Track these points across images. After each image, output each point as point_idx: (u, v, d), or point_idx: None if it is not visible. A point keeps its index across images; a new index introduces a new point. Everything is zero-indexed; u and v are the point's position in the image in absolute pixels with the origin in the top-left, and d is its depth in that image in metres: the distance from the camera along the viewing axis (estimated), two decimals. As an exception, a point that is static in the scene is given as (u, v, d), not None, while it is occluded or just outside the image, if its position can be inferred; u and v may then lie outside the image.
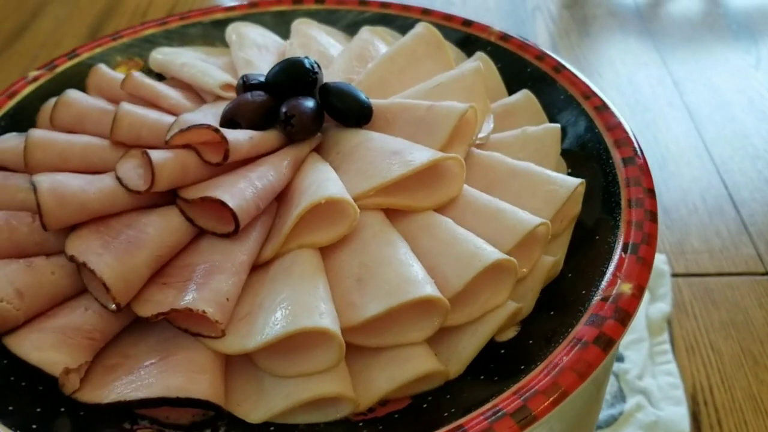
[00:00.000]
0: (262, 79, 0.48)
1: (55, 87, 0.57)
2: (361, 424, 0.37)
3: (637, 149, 0.47)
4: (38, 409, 0.37)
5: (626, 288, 0.38)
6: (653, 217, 0.43)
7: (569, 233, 0.45)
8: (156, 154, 0.42)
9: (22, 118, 0.55)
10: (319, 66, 0.49)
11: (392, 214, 0.43)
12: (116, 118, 0.47)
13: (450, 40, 0.61)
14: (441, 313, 0.37)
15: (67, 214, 0.42)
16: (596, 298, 0.39)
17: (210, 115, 0.49)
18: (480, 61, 0.56)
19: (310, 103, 0.46)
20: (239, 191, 0.41)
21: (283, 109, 0.45)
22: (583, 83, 0.53)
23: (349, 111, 0.46)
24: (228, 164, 0.43)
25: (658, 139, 0.92)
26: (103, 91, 0.55)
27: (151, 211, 0.43)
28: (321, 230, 0.40)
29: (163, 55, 0.58)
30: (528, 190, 0.44)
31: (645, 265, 0.40)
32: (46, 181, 0.42)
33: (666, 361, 0.66)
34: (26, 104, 0.56)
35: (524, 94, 0.53)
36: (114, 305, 0.39)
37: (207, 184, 0.42)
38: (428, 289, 0.37)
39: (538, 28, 1.10)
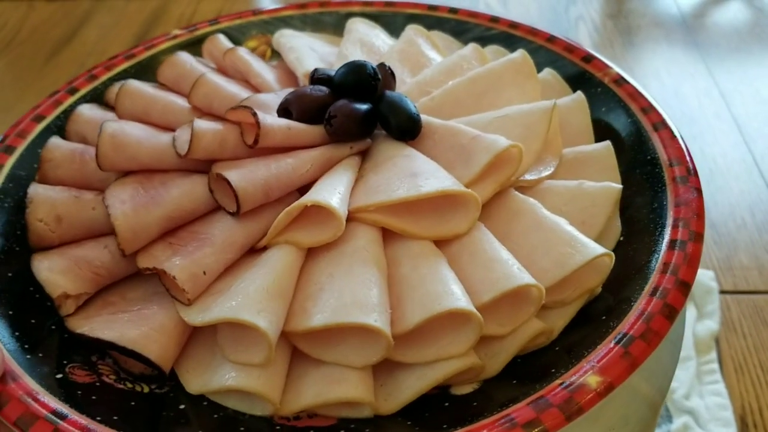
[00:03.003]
0: (332, 75, 0.49)
1: (189, 47, 0.63)
2: (278, 427, 0.37)
3: (693, 234, 0.41)
4: (33, 321, 0.42)
5: (593, 380, 0.34)
6: (671, 313, 0.37)
7: (579, 305, 0.41)
8: (201, 124, 0.45)
9: (150, 69, 0.61)
10: (392, 72, 0.49)
11: (391, 234, 0.42)
12: (194, 85, 0.51)
13: (566, 72, 0.57)
14: (384, 345, 0.36)
15: (119, 159, 0.46)
16: (556, 381, 0.35)
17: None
18: (578, 100, 0.52)
19: (359, 107, 0.46)
20: (251, 174, 0.42)
21: (330, 108, 0.46)
22: (677, 146, 0.47)
23: (395, 123, 0.46)
24: (266, 148, 0.45)
25: (705, 152, 0.88)
26: (214, 57, 0.59)
27: (188, 175, 0.46)
28: (308, 232, 0.41)
29: (281, 37, 0.61)
30: (543, 247, 0.41)
31: (629, 363, 0.35)
32: (111, 126, 0.47)
33: (714, 380, 0.64)
34: (161, 57, 0.62)
35: (605, 146, 0.49)
36: (120, 250, 0.42)
37: (233, 163, 0.44)
38: (372, 317, 0.35)
39: (581, 38, 1.06)
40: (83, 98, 0.58)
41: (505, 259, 0.39)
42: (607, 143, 0.49)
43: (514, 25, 0.62)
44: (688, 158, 0.46)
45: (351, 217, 0.42)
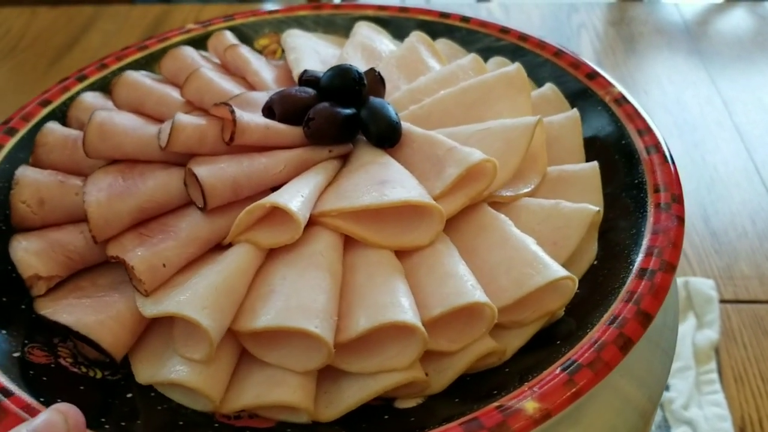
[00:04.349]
0: (320, 77, 0.49)
1: (202, 42, 0.64)
2: (217, 425, 0.37)
3: (665, 264, 0.39)
4: (4, 299, 0.43)
5: (530, 406, 0.33)
6: (625, 344, 0.36)
7: (536, 327, 0.40)
8: (182, 118, 0.45)
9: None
10: (381, 78, 0.49)
11: (354, 241, 0.41)
12: (188, 79, 0.51)
13: (570, 87, 0.56)
14: (324, 353, 0.36)
15: (105, 148, 0.47)
16: (493, 404, 0.34)
17: (273, 99, 0.51)
18: (572, 118, 0.51)
19: (339, 111, 0.45)
20: (220, 171, 0.43)
21: (310, 111, 0.46)
22: (667, 171, 0.45)
23: (374, 130, 0.45)
24: (244, 147, 0.45)
25: (707, 159, 0.88)
26: (218, 53, 0.60)
27: (168, 167, 0.47)
28: (269, 233, 0.41)
29: (288, 37, 0.61)
30: (505, 265, 0.40)
31: (573, 392, 0.34)
32: (101, 115, 0.48)
33: (713, 391, 0.64)
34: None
35: (591, 167, 0.47)
36: (91, 237, 0.43)
37: (207, 158, 0.44)
38: (314, 323, 0.35)
39: (583, 46, 1.06)
40: (91, 86, 0.59)
41: (461, 275, 0.38)
42: (594, 164, 0.48)
43: (523, 37, 0.60)
44: (676, 185, 0.45)
45: (314, 221, 0.41)
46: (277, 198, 0.40)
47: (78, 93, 0.58)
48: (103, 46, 1.07)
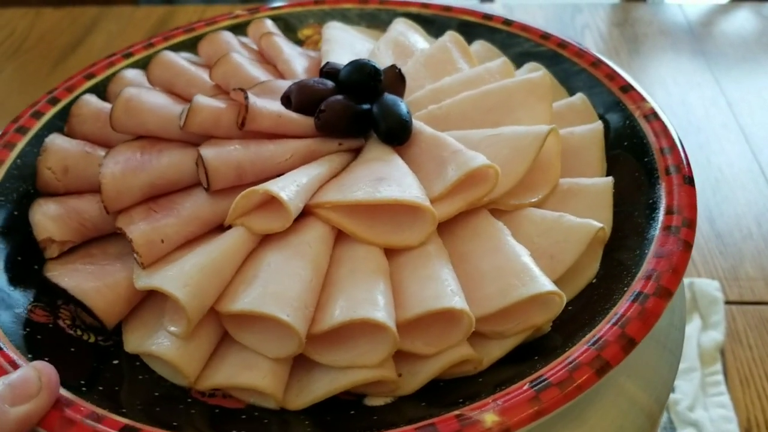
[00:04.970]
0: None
1: (246, 28, 0.65)
2: (190, 400, 0.38)
3: (661, 289, 0.38)
4: (19, 258, 0.45)
5: (489, 419, 0.33)
6: (602, 367, 0.35)
7: (518, 340, 0.39)
8: (201, 100, 0.47)
9: (204, 44, 0.64)
10: (401, 75, 0.49)
11: (345, 235, 0.41)
12: (217, 62, 0.52)
13: (603, 99, 0.54)
14: (296, 341, 0.36)
15: (130, 123, 0.49)
16: (454, 412, 0.34)
17: (297, 88, 0.51)
18: (595, 130, 0.49)
19: (351, 105, 0.46)
20: (226, 155, 0.43)
21: (323, 102, 0.46)
22: (684, 194, 0.43)
23: (384, 126, 0.45)
24: (257, 133, 0.46)
25: (711, 161, 0.88)
26: (255, 40, 0.61)
27: (186, 147, 0.48)
28: (264, 219, 0.41)
29: (327, 28, 0.62)
30: (493, 273, 0.39)
31: (536, 410, 0.33)
32: (130, 91, 0.49)
33: (719, 392, 0.63)
34: (216, 35, 0.65)
35: (605, 182, 0.46)
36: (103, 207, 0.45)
37: (218, 141, 0.46)
38: (285, 312, 0.36)
39: (587, 47, 1.02)
40: (136, 63, 0.61)
41: (443, 279, 0.38)
42: (608, 179, 0.46)
43: (563, 44, 0.59)
44: (691, 209, 0.43)
45: (310, 212, 0.42)
46: (271, 185, 0.40)
47: (122, 69, 0.60)
48: (108, 46, 1.08)
